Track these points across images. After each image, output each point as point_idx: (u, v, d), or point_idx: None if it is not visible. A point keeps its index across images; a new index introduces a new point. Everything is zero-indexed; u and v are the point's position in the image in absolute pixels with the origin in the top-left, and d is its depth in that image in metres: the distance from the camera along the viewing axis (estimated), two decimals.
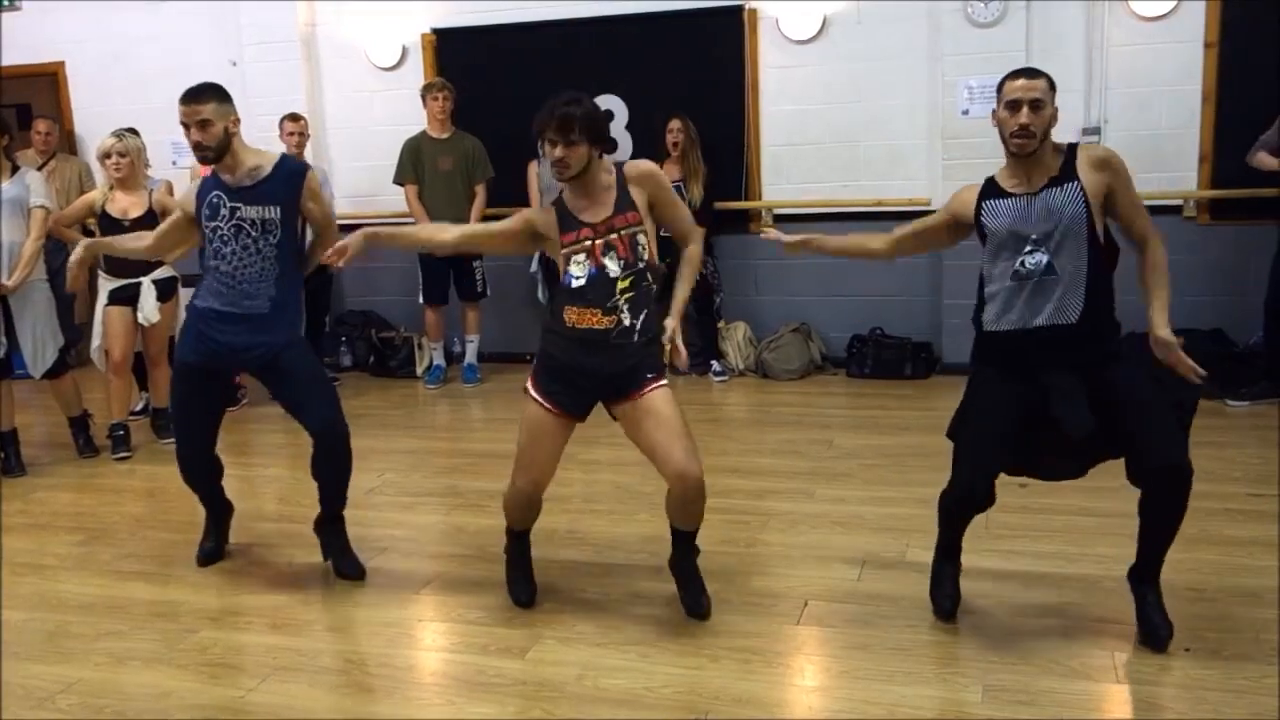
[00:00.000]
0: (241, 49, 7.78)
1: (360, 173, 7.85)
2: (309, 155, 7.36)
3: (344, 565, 3.88)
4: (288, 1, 7.69)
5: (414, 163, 7.02)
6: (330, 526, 3.91)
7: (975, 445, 3.17)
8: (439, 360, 7.34)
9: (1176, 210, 6.53)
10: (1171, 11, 6.35)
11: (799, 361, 6.95)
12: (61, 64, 8.39)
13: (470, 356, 7.30)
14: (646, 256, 3.28)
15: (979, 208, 3.20)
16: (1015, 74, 3.17)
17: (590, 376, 3.30)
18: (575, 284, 3.25)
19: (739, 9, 7.07)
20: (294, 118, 6.98)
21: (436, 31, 7.67)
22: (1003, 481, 4.67)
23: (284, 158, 3.92)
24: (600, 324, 3.25)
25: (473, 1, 7.49)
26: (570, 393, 3.33)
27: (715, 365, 7.08)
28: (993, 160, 7.22)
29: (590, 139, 3.18)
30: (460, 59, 7.59)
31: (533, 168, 7.25)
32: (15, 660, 3.31)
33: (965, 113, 6.67)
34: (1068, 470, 3.31)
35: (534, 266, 7.37)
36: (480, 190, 7.09)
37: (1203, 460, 4.73)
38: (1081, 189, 3.05)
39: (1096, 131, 6.60)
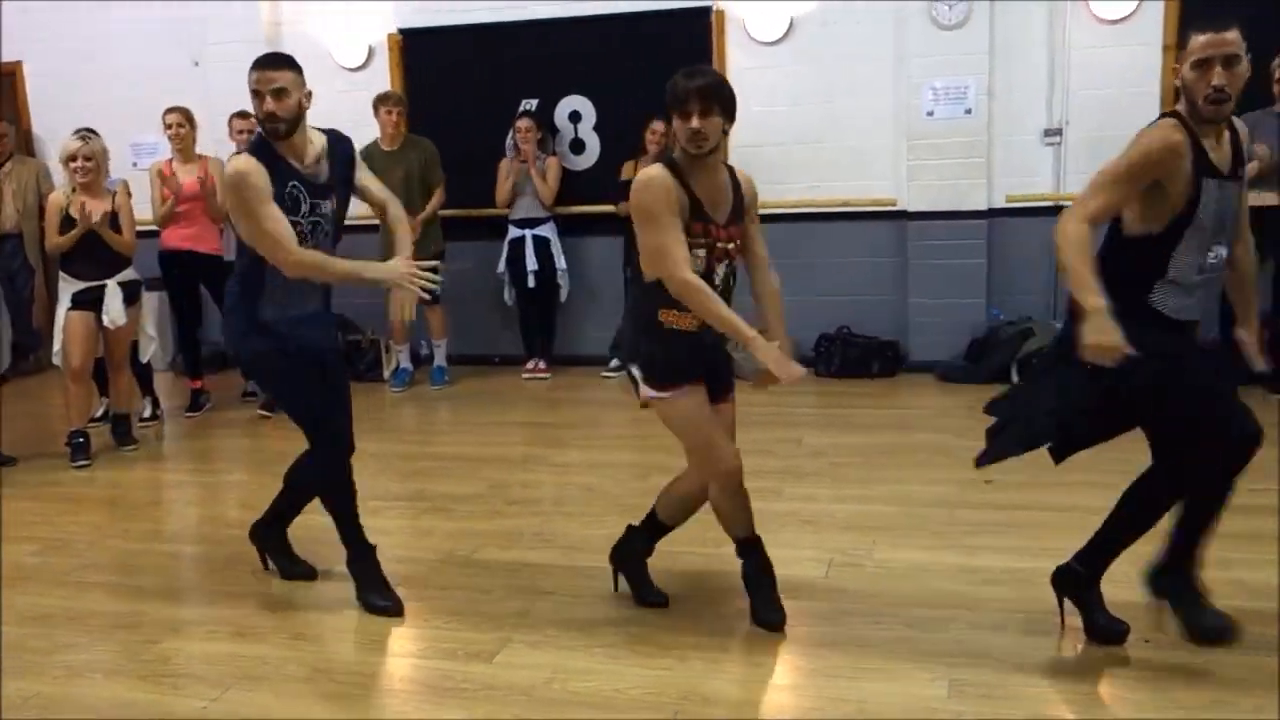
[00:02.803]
0: (204, 48, 7.73)
1: None
2: None
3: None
4: (252, 0, 7.64)
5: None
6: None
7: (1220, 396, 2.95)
8: (405, 363, 7.31)
9: None
10: (1131, 14, 6.44)
11: None
12: (19, 64, 8.30)
13: (439, 359, 7.27)
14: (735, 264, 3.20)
15: (1198, 186, 2.77)
16: (1203, 25, 2.71)
17: (692, 363, 3.16)
18: None
19: (707, 10, 7.09)
20: (243, 115, 6.83)
21: (403, 32, 7.64)
22: (967, 478, 4.72)
23: (330, 134, 3.55)
24: (690, 327, 3.10)
25: (440, 2, 7.46)
26: (688, 368, 3.15)
27: None
28: (957, 161, 7.30)
29: (724, 112, 3.06)
30: (427, 59, 7.57)
31: (503, 166, 7.24)
32: None
33: (930, 114, 6.72)
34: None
35: (501, 267, 7.35)
36: (438, 192, 7.04)
37: None
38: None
39: (1058, 133, 6.67)
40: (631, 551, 3.53)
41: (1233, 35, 2.68)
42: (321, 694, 3.07)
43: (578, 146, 7.51)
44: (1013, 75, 6.68)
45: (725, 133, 3.10)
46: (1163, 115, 2.89)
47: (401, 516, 4.61)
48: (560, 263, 7.32)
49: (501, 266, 7.36)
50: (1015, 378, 6.48)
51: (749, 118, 7.20)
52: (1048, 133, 6.70)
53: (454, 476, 5.03)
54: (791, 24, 6.97)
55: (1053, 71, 6.63)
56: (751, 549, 3.34)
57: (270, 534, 3.89)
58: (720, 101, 3.06)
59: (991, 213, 6.77)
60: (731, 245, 3.15)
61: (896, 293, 7.00)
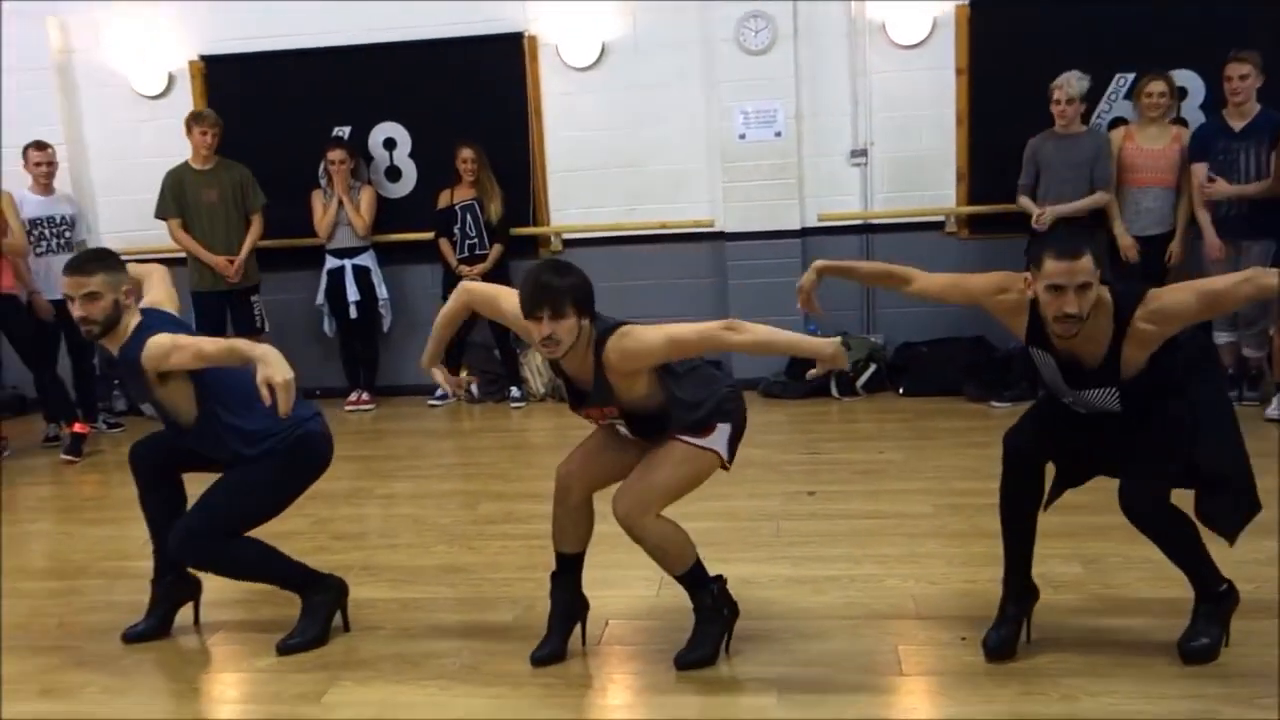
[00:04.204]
0: None
1: (126, 207, 7.43)
2: (67, 186, 6.97)
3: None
4: (39, 25, 7.27)
5: (176, 196, 6.71)
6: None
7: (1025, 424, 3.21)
8: None
9: (939, 226, 6.95)
10: (925, 40, 6.78)
11: None
12: None
13: None
14: (634, 430, 3.19)
15: (1027, 349, 3.11)
16: (1058, 252, 2.82)
17: None
18: None
19: (519, 36, 7.12)
20: (39, 146, 6.52)
21: (205, 58, 7.38)
22: (791, 491, 4.87)
23: (127, 344, 3.29)
24: None
25: (247, 21, 7.24)
26: None
27: (514, 391, 7.06)
28: (770, 183, 7.50)
29: (579, 310, 2.94)
30: (232, 87, 7.32)
31: (317, 196, 7.08)
32: None
33: (742, 137, 6.91)
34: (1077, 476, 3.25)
35: (320, 299, 7.17)
36: (256, 220, 6.85)
37: (970, 460, 5.10)
38: (1117, 390, 2.94)
39: (864, 154, 6.95)
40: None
41: (1085, 263, 2.79)
42: None
43: (393, 174, 7.40)
44: (819, 99, 6.94)
45: (586, 327, 3.00)
46: None
47: None
48: (382, 292, 7.21)
49: (320, 298, 7.18)
50: (835, 391, 6.71)
51: (564, 143, 7.31)
52: (854, 153, 6.98)
53: None
54: (604, 50, 7.06)
55: (855, 95, 6.92)
56: (561, 566, 3.36)
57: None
58: (575, 302, 2.93)
59: (805, 232, 6.99)
60: (605, 422, 3.21)
61: (717, 313, 7.12)
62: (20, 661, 3.46)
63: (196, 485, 3.47)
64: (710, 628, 3.21)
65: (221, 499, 3.35)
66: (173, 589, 3.61)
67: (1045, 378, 3.11)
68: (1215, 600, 3.06)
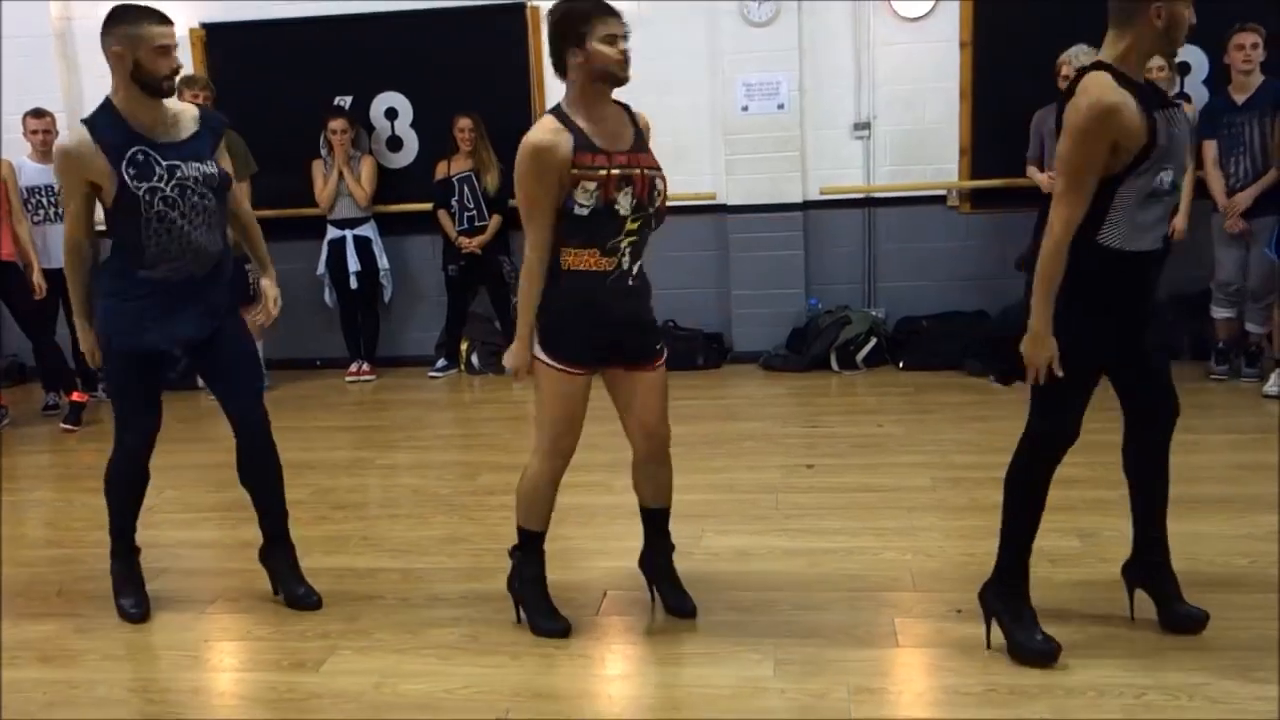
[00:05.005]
0: None
1: None
2: None
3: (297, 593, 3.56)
4: None
5: None
6: (274, 549, 3.62)
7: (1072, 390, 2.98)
8: None
9: (941, 200, 6.93)
10: (929, 13, 6.74)
11: None
12: None
13: None
14: (658, 204, 3.03)
15: (1153, 120, 2.75)
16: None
17: (603, 326, 3.07)
18: (578, 211, 2.91)
19: (521, 6, 7.08)
20: (38, 114, 6.47)
21: (206, 26, 7.34)
22: (791, 464, 4.88)
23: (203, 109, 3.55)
24: (596, 266, 2.99)
25: None
26: (583, 344, 3.08)
27: None
28: (772, 155, 7.45)
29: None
30: (232, 55, 7.29)
31: (317, 166, 7.05)
32: None
33: (745, 109, 6.88)
34: None
35: (321, 269, 7.16)
36: (244, 186, 6.79)
37: (970, 434, 5.11)
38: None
39: (866, 126, 6.92)
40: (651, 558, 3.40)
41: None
42: (138, 716, 2.93)
43: (395, 144, 7.38)
44: (822, 71, 6.90)
45: None
46: (1084, 72, 2.81)
47: (219, 528, 4.45)
48: (383, 263, 7.20)
49: (321, 268, 7.17)
50: (835, 365, 6.71)
51: None
52: (857, 126, 6.95)
53: None
54: None
55: (859, 67, 6.88)
56: (533, 544, 3.30)
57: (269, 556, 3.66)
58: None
59: (807, 205, 6.97)
60: (639, 171, 2.98)
61: (720, 285, 7.14)
62: (21, 629, 3.48)
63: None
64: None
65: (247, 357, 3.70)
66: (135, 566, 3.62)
67: (1170, 143, 2.80)
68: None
